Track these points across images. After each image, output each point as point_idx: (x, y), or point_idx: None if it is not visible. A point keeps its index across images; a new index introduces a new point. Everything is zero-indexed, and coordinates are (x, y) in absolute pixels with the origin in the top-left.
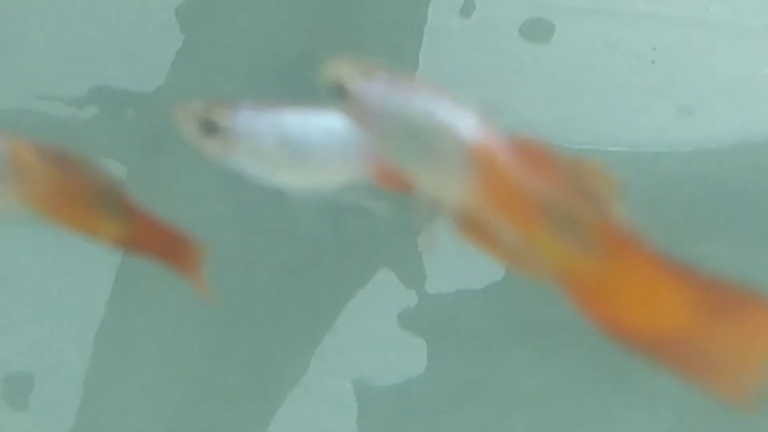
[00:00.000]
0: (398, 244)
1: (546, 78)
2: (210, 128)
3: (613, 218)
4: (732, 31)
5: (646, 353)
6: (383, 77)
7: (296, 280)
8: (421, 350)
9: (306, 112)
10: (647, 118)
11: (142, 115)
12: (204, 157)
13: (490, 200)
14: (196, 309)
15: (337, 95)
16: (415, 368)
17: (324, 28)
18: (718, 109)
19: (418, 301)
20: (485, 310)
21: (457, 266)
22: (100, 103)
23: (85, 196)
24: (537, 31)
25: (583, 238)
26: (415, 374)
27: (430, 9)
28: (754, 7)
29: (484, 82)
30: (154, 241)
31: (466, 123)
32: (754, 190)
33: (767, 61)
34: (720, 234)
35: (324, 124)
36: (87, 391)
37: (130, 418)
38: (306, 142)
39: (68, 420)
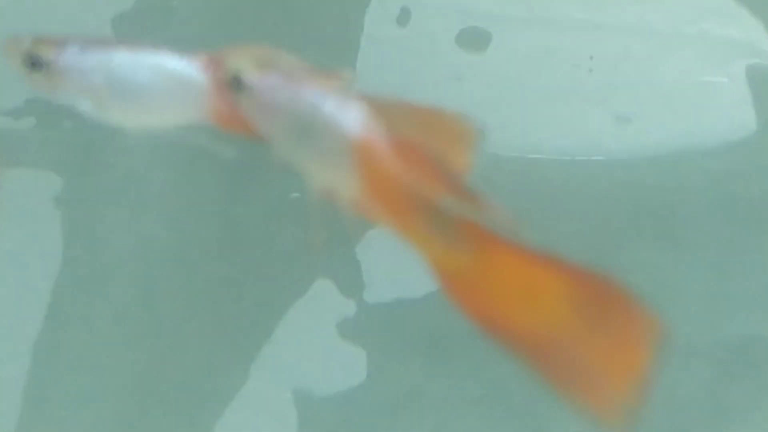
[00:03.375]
0: (336, 253)
1: (483, 86)
2: (35, 63)
3: (465, 172)
4: (669, 39)
5: (520, 357)
6: (279, 69)
7: (234, 290)
8: (361, 359)
9: (138, 51)
10: (584, 127)
11: (79, 126)
12: (139, 169)
13: (370, 196)
14: (134, 320)
15: (236, 86)
16: (354, 377)
17: (258, 31)
18: (655, 116)
19: (357, 310)
20: (424, 318)
21: (395, 275)
22: (37, 114)
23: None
24: (473, 40)
25: (454, 234)
26: (354, 383)
27: (367, 18)
28: (690, 15)
29: (421, 90)
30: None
31: (350, 118)
32: (691, 197)
33: (704, 69)
34: (656, 241)
35: (156, 63)
36: (26, 402)
37: (69, 428)
38: (134, 81)
39: (7, 429)
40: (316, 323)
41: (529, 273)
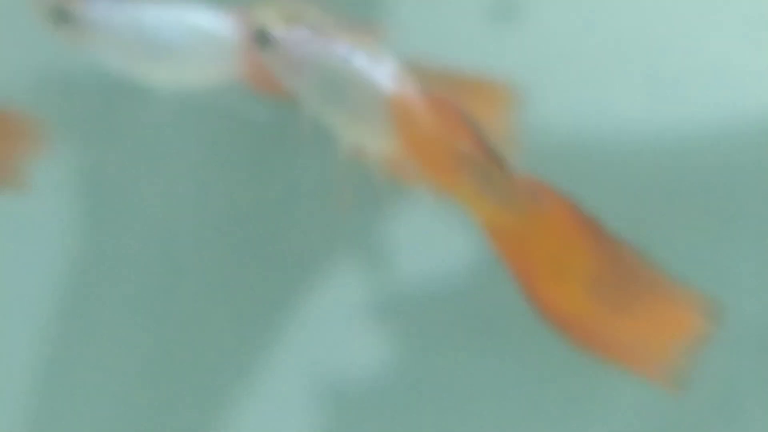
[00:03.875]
0: (350, 246)
1: (517, 52)
2: (63, 16)
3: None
4: (715, 14)
5: (558, 323)
6: (307, 24)
7: (251, 279)
8: (383, 348)
9: (168, 7)
10: (624, 102)
11: (101, 102)
12: (149, 161)
13: (410, 153)
14: (146, 311)
15: (261, 41)
16: (371, 368)
17: None
18: (701, 93)
19: (375, 300)
20: (441, 309)
21: (421, 262)
22: (43, 93)
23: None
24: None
25: (502, 189)
26: (371, 374)
27: None
28: None
29: (451, 49)
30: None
31: (383, 72)
32: (739, 175)
33: (750, 45)
34: (705, 223)
35: (186, 19)
36: (35, 393)
37: (81, 423)
38: (164, 37)
39: (20, 421)
40: (334, 314)
41: (575, 235)
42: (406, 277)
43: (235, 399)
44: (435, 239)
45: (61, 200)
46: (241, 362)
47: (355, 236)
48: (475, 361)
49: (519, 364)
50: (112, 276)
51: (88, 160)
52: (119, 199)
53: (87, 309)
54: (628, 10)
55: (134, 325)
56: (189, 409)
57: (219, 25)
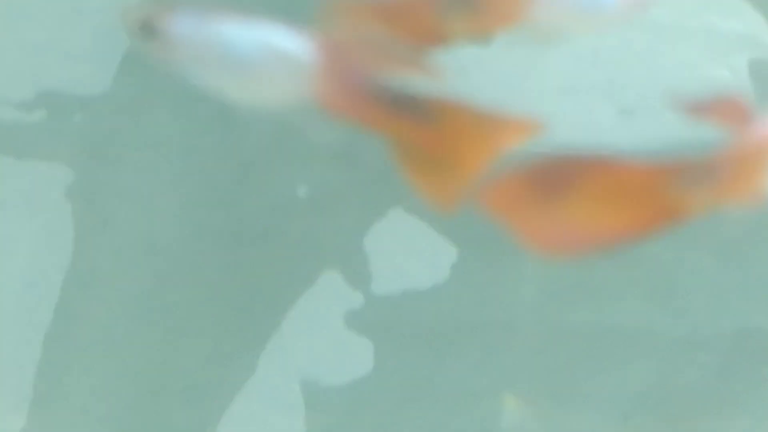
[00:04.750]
0: (344, 244)
1: (486, 80)
2: (150, 32)
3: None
4: (672, 31)
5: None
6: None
7: (243, 280)
8: (368, 350)
9: (252, 25)
10: (588, 120)
11: (90, 119)
12: (149, 162)
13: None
14: (142, 310)
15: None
16: (362, 368)
17: None
18: (658, 109)
19: (365, 301)
20: (431, 310)
21: (403, 266)
22: (47, 106)
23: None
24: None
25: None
26: (362, 374)
27: None
28: (693, 8)
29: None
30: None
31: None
32: None
33: (706, 62)
34: (660, 234)
35: (267, 38)
36: (36, 395)
37: (77, 420)
38: (245, 55)
39: (17, 421)
40: (324, 314)
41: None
42: (392, 286)
43: (222, 404)
44: (419, 247)
45: (47, 221)
46: (228, 367)
47: (341, 244)
48: (457, 366)
49: (501, 370)
50: (99, 286)
51: (73, 185)
52: (103, 223)
53: (72, 315)
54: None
55: (121, 332)
56: (174, 413)
57: (298, 45)
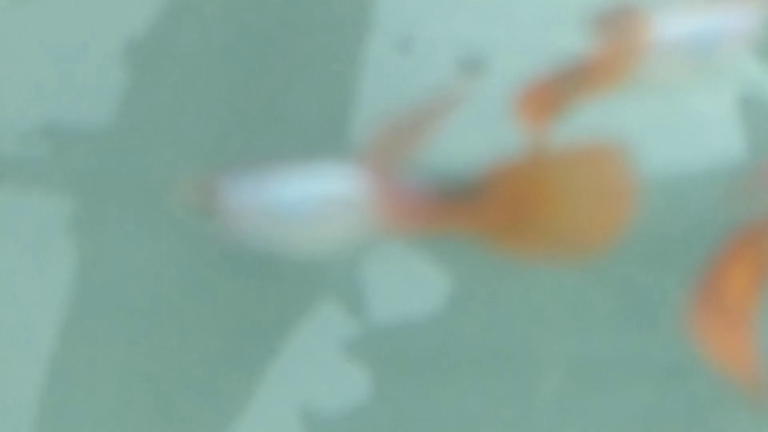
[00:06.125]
0: (342, 273)
1: (483, 113)
2: (212, 208)
3: None
4: None
5: None
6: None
7: (242, 310)
8: (365, 378)
9: (306, 178)
10: None
11: (93, 153)
12: (154, 194)
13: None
14: (138, 340)
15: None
16: (359, 396)
17: (269, 55)
18: (645, 144)
19: (362, 330)
20: (429, 339)
21: (401, 295)
22: (51, 140)
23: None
24: (474, 67)
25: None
26: (359, 402)
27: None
28: None
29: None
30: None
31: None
32: (680, 221)
33: (693, 96)
34: (643, 261)
35: (323, 191)
36: (39, 419)
37: None
38: (306, 213)
39: (28, 425)
40: (322, 343)
41: None
42: (389, 315)
43: (221, 429)
44: (416, 276)
45: (50, 251)
46: (224, 398)
47: (338, 273)
48: (454, 396)
49: (496, 399)
50: (98, 318)
51: (77, 215)
52: (105, 253)
53: (71, 347)
54: None
55: (117, 364)
56: None
57: (354, 189)
